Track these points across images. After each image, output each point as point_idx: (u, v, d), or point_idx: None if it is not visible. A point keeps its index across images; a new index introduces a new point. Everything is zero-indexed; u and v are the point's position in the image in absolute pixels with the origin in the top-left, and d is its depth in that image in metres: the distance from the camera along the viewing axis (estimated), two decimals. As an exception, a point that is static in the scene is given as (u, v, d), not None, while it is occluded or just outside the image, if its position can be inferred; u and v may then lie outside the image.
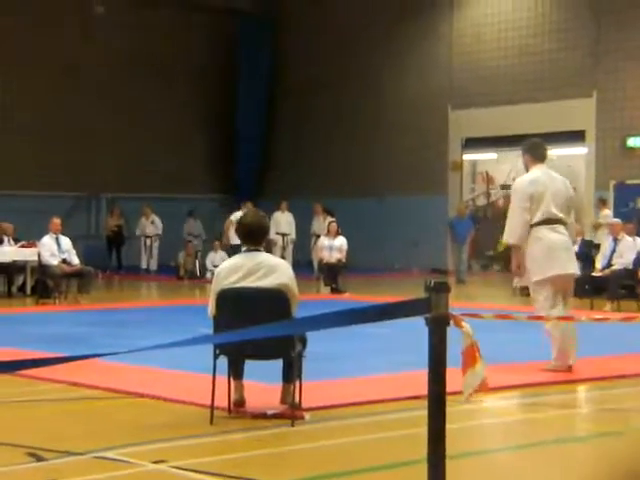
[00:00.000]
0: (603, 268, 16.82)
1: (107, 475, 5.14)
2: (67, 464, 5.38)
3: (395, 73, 27.29)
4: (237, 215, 20.10)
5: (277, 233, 22.96)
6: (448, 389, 3.80)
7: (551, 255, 8.68)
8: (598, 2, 23.27)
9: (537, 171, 8.93)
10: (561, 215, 8.80)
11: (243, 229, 6.84)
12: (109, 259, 26.11)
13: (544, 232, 8.72)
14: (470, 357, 3.96)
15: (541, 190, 8.75)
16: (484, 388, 3.88)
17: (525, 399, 7.71)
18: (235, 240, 19.38)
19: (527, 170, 9.04)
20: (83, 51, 27.27)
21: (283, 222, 23.18)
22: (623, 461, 5.30)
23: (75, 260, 16.68)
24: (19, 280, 17.84)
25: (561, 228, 8.80)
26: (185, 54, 29.17)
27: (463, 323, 3.98)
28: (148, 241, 25.84)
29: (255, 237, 6.78)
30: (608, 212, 20.95)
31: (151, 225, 25.89)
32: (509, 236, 8.86)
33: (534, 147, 9.12)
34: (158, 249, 25.82)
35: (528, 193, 8.74)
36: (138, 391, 7.46)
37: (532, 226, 8.73)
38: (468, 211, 24.63)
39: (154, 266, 25.70)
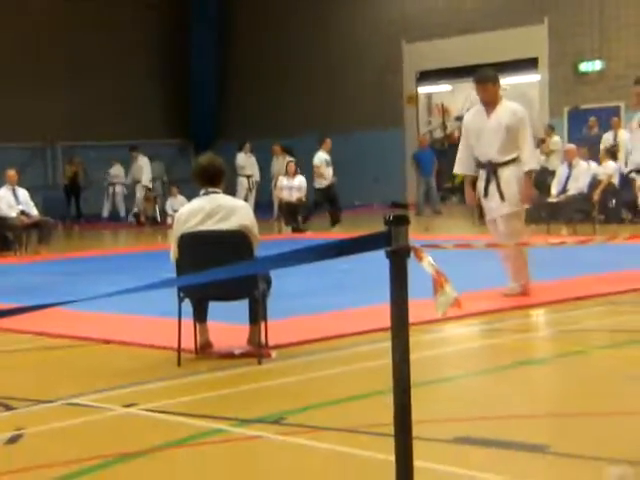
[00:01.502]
0: (558, 194, 17.02)
1: (78, 421, 5.19)
2: (36, 412, 5.42)
3: (347, 7, 27.09)
4: (320, 157, 19.59)
5: (242, 175, 22.89)
6: (410, 320, 3.88)
7: None
8: None
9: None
10: None
11: (200, 171, 6.82)
12: (68, 208, 25.95)
13: None
14: (438, 282, 4.04)
15: None
16: (457, 304, 3.99)
17: (486, 325, 7.85)
18: (322, 183, 19.12)
19: (494, 100, 8.84)
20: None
21: (247, 164, 23.07)
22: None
23: (34, 211, 16.58)
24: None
25: None
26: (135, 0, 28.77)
27: (423, 255, 4.03)
28: (111, 189, 25.69)
29: (213, 179, 6.78)
30: (557, 138, 21.12)
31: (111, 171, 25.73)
32: (535, 162, 9.05)
33: (498, 78, 9.08)
34: (123, 196, 25.70)
35: None
36: (104, 337, 7.49)
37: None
38: (427, 143, 24.71)
39: (123, 213, 25.58)
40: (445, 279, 4.00)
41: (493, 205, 8.88)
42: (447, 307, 3.95)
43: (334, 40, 27.29)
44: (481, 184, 8.97)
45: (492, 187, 8.83)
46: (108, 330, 7.79)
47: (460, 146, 9.18)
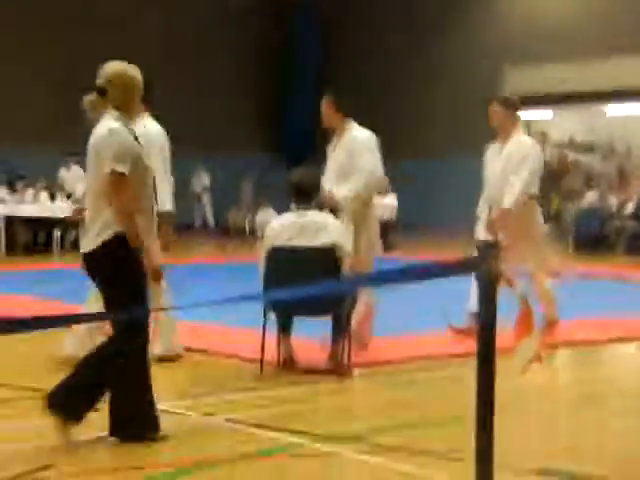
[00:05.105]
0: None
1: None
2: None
3: (450, 31, 26.99)
4: None
5: None
6: (498, 345, 3.79)
7: None
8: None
9: None
10: None
11: (292, 187, 6.81)
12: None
13: None
14: (525, 325, 3.90)
15: None
16: (538, 359, 3.83)
17: (577, 355, 7.70)
18: None
19: None
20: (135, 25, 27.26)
21: None
22: None
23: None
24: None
25: None
26: (235, 18, 29.01)
27: (515, 282, 3.95)
28: (200, 198, 25.96)
29: (305, 195, 6.76)
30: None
31: (199, 181, 26.03)
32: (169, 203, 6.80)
33: None
34: (212, 205, 25.92)
35: None
36: (188, 346, 7.52)
37: None
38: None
39: (211, 222, 25.83)
40: (533, 324, 3.83)
41: None
42: (527, 361, 3.81)
43: (435, 65, 27.15)
44: None
45: None
46: (192, 339, 7.80)
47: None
